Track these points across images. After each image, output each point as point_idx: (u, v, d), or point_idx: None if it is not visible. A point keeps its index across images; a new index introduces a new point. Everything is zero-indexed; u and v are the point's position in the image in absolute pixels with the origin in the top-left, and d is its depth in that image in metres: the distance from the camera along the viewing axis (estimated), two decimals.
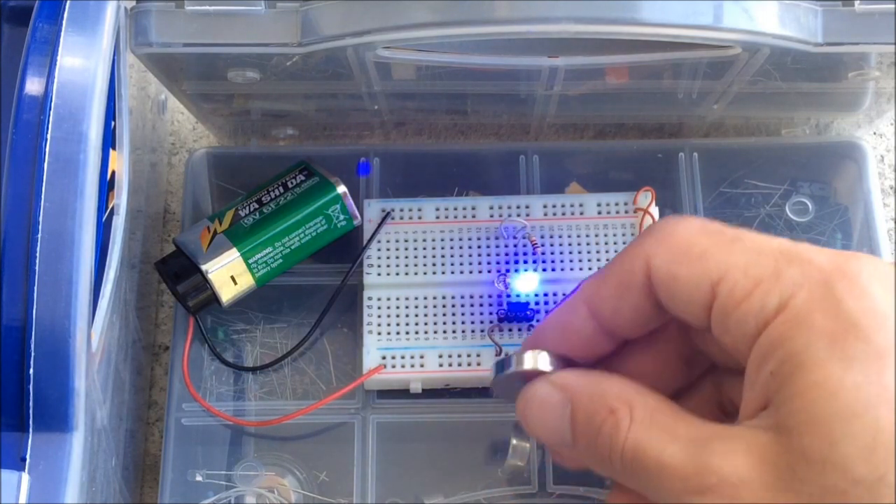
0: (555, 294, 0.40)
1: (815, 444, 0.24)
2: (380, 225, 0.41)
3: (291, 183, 0.40)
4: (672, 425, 0.27)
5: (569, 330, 0.31)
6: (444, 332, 0.40)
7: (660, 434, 0.27)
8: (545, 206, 0.41)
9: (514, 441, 0.39)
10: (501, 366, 0.32)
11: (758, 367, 0.26)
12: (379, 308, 0.40)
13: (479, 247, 0.41)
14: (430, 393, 0.40)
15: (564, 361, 0.31)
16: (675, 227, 0.28)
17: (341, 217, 0.40)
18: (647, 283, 0.29)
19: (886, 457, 0.23)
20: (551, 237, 0.41)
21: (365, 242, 0.41)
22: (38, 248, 0.29)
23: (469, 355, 0.39)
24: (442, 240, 0.41)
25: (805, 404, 0.24)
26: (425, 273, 0.41)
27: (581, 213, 0.41)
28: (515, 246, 0.41)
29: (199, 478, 0.39)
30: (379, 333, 0.40)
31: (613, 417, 0.28)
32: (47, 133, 0.30)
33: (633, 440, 0.27)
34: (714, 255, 0.27)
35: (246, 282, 0.40)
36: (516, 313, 0.40)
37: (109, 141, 0.34)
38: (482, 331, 0.40)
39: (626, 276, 0.29)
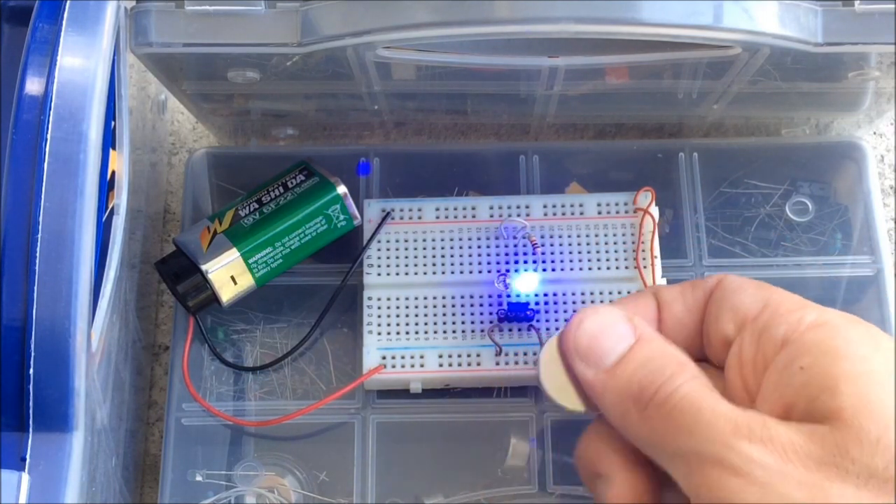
0: (555, 294, 0.40)
1: (872, 426, 0.25)
2: (380, 225, 0.41)
3: (291, 183, 0.40)
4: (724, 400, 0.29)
5: (637, 306, 0.33)
6: (444, 332, 0.40)
7: (716, 396, 0.28)
8: (545, 206, 0.41)
9: (513, 441, 0.39)
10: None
11: (785, 366, 0.28)
12: (379, 308, 0.40)
13: (479, 247, 0.41)
14: (430, 393, 0.40)
15: None
16: None
17: (341, 217, 0.40)
18: (708, 293, 0.32)
19: None
20: (551, 237, 0.41)
21: (365, 242, 0.41)
22: (38, 248, 0.29)
23: (469, 355, 0.39)
24: (442, 240, 0.41)
25: (857, 389, 0.26)
26: (425, 273, 0.41)
27: (581, 213, 0.41)
28: (515, 246, 0.41)
29: (199, 478, 0.39)
30: (379, 333, 0.40)
31: (677, 364, 0.29)
32: (47, 133, 0.30)
33: (688, 388, 0.29)
34: (774, 292, 0.31)
35: (246, 282, 0.40)
36: (516, 313, 0.40)
37: (109, 141, 0.34)
38: (482, 331, 0.40)
39: (699, 281, 0.33)
